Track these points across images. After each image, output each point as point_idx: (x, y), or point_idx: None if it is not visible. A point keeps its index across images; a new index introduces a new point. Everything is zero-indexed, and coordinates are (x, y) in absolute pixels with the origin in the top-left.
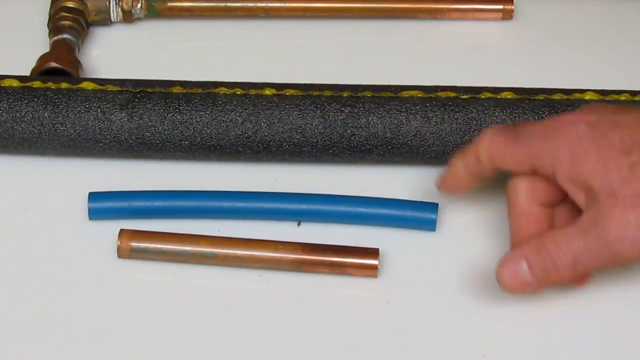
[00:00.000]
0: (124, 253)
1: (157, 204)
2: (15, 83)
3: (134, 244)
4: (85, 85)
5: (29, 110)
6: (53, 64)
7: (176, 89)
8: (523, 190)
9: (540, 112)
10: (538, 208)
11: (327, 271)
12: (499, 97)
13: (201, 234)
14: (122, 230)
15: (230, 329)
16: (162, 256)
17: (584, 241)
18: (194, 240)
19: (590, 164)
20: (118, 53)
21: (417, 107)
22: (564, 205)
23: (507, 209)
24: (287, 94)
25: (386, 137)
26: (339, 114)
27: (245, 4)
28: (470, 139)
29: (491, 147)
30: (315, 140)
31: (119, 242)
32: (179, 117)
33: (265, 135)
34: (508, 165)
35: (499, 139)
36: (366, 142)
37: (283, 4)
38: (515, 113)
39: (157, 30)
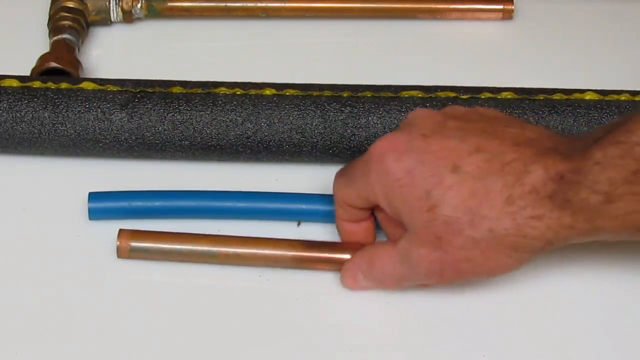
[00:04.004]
0: (123, 253)
1: (157, 204)
2: (15, 83)
3: (134, 244)
4: (85, 85)
5: (29, 110)
6: (53, 64)
7: (176, 89)
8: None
9: (540, 112)
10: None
11: (328, 268)
12: (499, 97)
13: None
14: (121, 230)
15: (230, 329)
16: (162, 255)
17: (401, 269)
18: (194, 239)
19: (398, 203)
20: (118, 53)
21: (417, 107)
22: None
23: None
24: (287, 94)
25: None
26: (339, 114)
27: (245, 4)
28: None
29: (337, 191)
30: (315, 140)
31: (118, 242)
32: (179, 117)
33: (265, 135)
34: (357, 203)
35: (340, 182)
36: (366, 142)
37: (283, 4)
38: (515, 113)
39: (157, 30)
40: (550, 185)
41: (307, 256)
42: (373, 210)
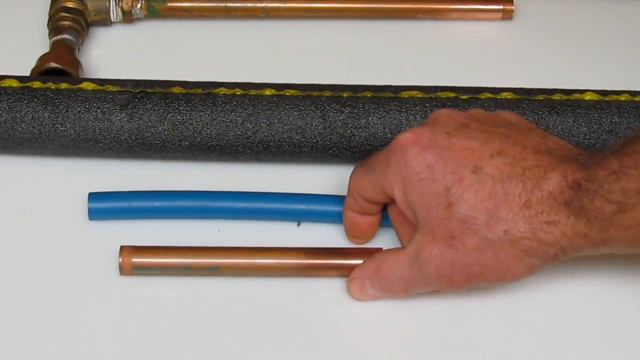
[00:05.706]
0: (126, 270)
1: (157, 204)
2: (15, 83)
3: (136, 260)
4: (85, 85)
5: (29, 111)
6: (53, 64)
7: (176, 89)
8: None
9: (540, 112)
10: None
11: (333, 275)
12: (499, 97)
13: (201, 242)
14: (122, 247)
15: (229, 333)
16: (165, 271)
17: (411, 272)
18: (196, 252)
19: (415, 197)
20: (118, 53)
21: (417, 107)
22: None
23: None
24: (287, 94)
25: (386, 137)
26: (339, 114)
27: (245, 4)
28: None
29: (353, 181)
30: (315, 140)
31: (120, 260)
32: (179, 117)
33: (265, 136)
34: (370, 195)
35: (358, 171)
36: (366, 142)
37: (283, 4)
38: (515, 113)
39: (157, 30)
40: (567, 192)
41: (311, 264)
42: (383, 208)
